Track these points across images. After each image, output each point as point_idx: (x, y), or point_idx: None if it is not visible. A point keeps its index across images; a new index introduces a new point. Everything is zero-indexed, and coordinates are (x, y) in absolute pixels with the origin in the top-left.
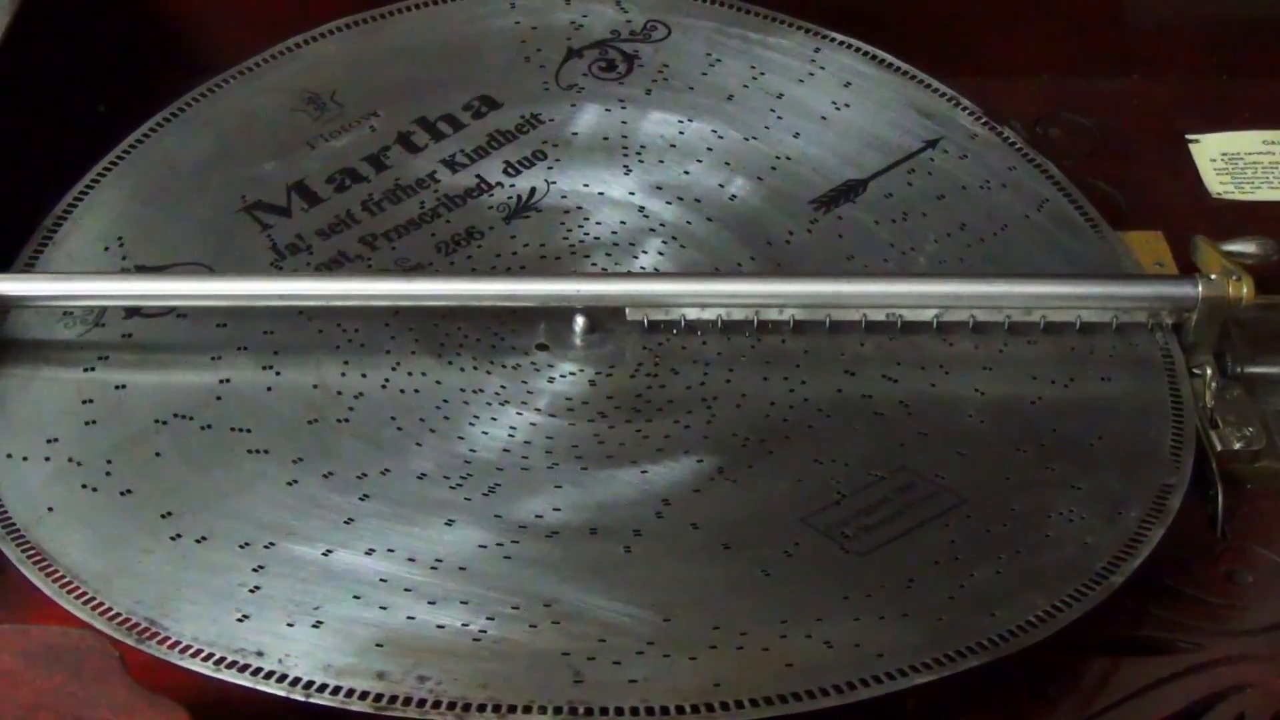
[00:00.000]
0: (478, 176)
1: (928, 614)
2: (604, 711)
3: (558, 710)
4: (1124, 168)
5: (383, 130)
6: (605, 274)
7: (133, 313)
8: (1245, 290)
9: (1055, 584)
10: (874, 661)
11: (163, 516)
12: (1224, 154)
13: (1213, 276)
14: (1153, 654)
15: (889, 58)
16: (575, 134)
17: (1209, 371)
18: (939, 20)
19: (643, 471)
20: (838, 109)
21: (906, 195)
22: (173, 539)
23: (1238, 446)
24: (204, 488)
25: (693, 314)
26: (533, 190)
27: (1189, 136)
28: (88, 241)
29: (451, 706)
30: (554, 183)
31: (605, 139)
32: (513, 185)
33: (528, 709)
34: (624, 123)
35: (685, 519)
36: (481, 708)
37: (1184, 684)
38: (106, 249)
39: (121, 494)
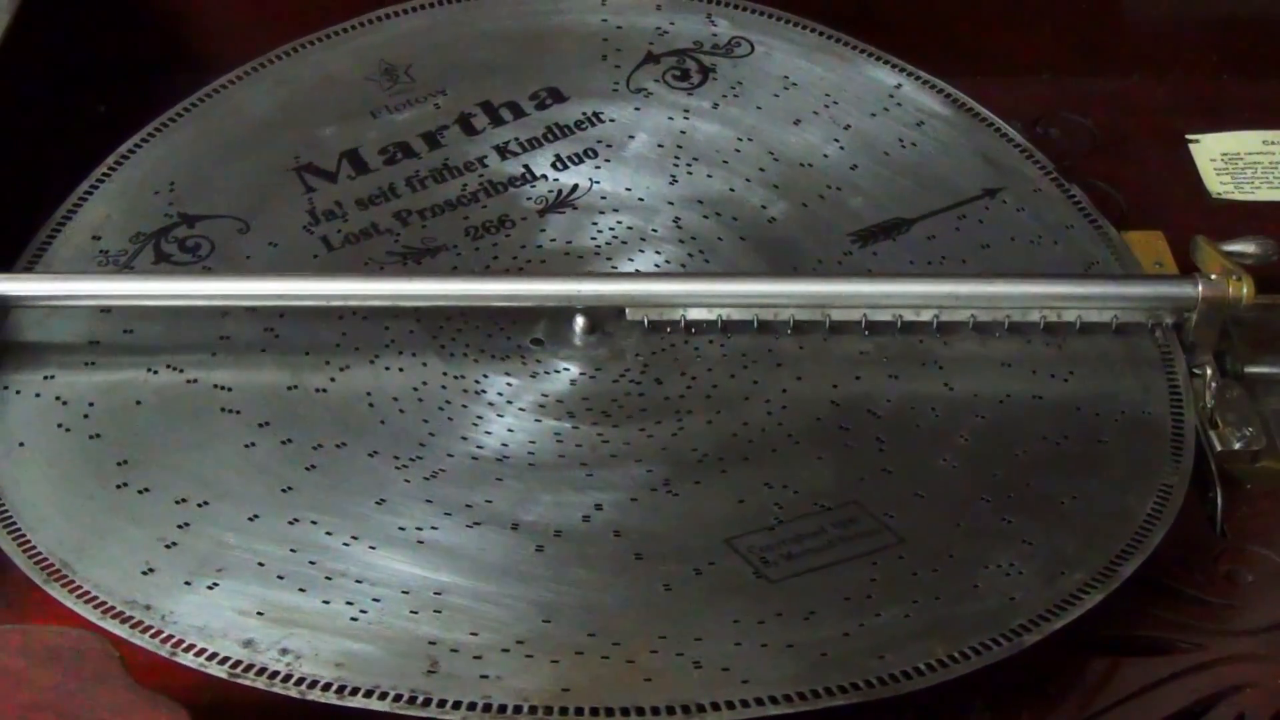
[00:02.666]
0: (525, 166)
1: (813, 648)
2: (441, 704)
3: (397, 698)
4: (1124, 168)
5: (446, 109)
6: (606, 274)
7: (162, 258)
8: (1245, 290)
9: (960, 635)
10: (735, 687)
11: (119, 464)
12: (1224, 154)
13: (1213, 276)
14: (1153, 654)
15: (970, 102)
16: (631, 137)
17: (1209, 371)
18: (939, 20)
19: (588, 475)
20: (903, 147)
21: (951, 240)
22: (118, 487)
23: (1238, 446)
24: (166, 440)
25: (693, 314)
26: (575, 187)
27: (1189, 136)
28: (139, 182)
29: (299, 682)
30: (598, 182)
31: (660, 146)
32: (556, 180)
33: (369, 693)
34: (682, 133)
35: (610, 526)
36: (327, 687)
37: (1184, 684)
38: (156, 193)
39: (90, 437)
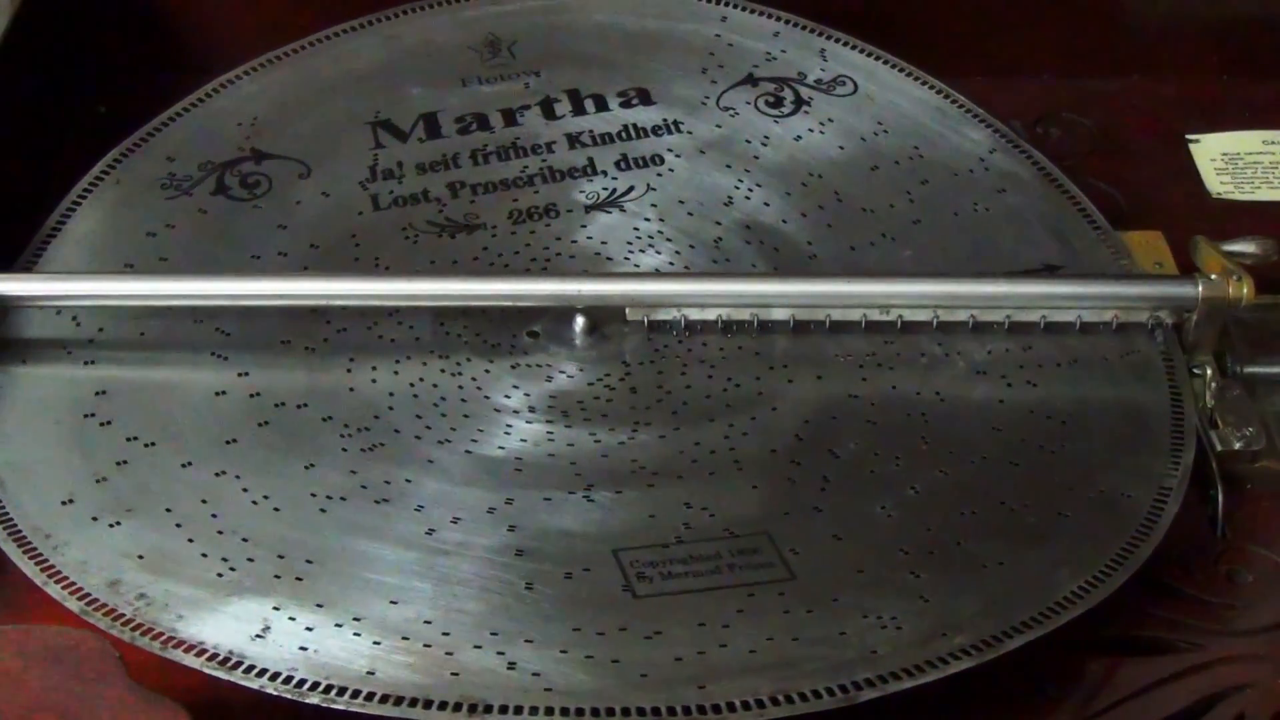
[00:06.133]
0: (589, 159)
1: (637, 667)
2: (249, 670)
3: (212, 656)
4: (1124, 168)
5: (534, 89)
6: (607, 274)
7: (221, 190)
8: (1245, 290)
9: (796, 679)
10: (536, 693)
11: (96, 394)
12: (1224, 154)
13: (1213, 276)
14: (1153, 654)
15: (1063, 179)
16: (702, 152)
17: (1209, 371)
18: (939, 20)
19: (517, 470)
20: (976, 210)
21: None
22: (85, 416)
23: (1238, 446)
24: (149, 378)
25: (693, 315)
26: (630, 189)
27: (1189, 136)
28: (228, 112)
29: (137, 629)
30: (654, 189)
31: (728, 166)
32: (614, 179)
33: (190, 648)
34: (755, 158)
35: (509, 521)
36: (157, 636)
37: (1184, 684)
38: (239, 124)
39: (85, 363)
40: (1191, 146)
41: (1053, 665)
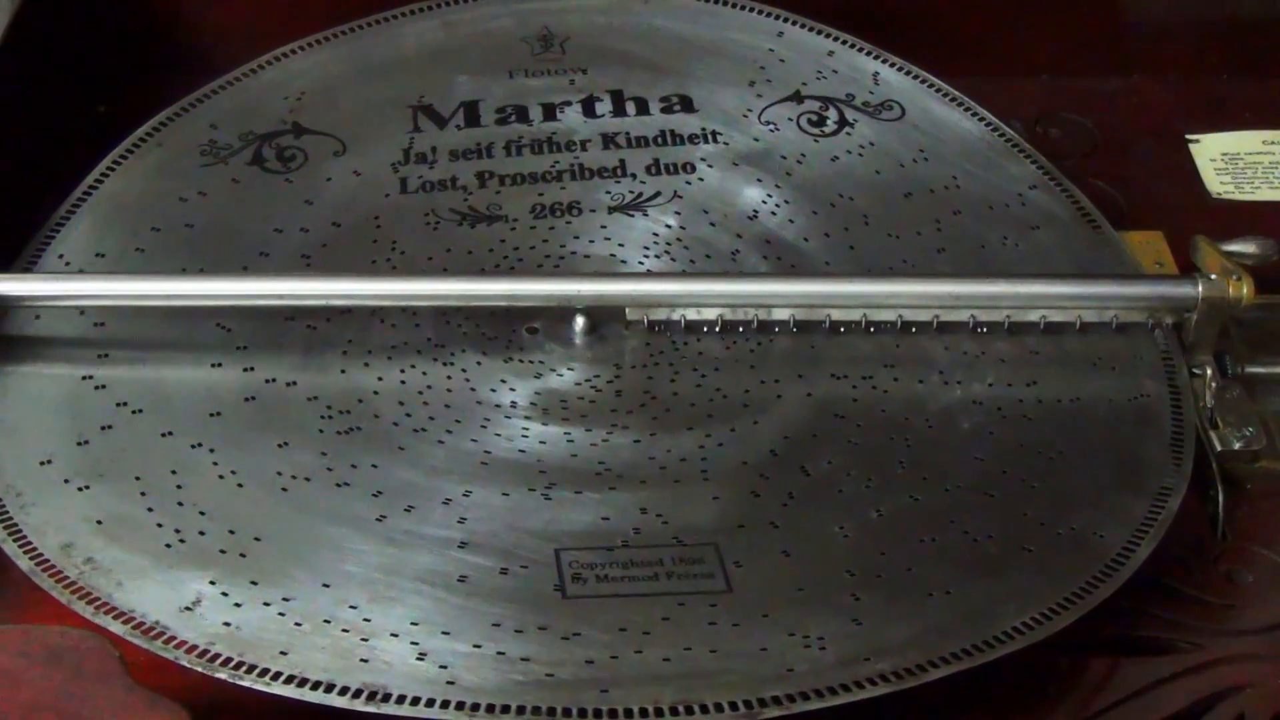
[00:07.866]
0: (621, 161)
1: (545, 667)
2: (159, 635)
3: (138, 625)
4: (1124, 168)
5: (579, 86)
6: (607, 274)
7: (257, 160)
8: (1245, 290)
9: (701, 690)
10: (439, 686)
11: (99, 356)
12: (1224, 154)
13: (1213, 276)
14: (1153, 654)
15: (1103, 222)
16: (736, 164)
17: (1209, 371)
18: (939, 20)
19: (483, 463)
20: (1004, 244)
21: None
22: (83, 378)
23: (1238, 446)
24: (150, 345)
25: (693, 315)
26: (656, 194)
27: (1189, 136)
28: (278, 85)
29: (76, 592)
30: (680, 197)
31: (759, 180)
32: (643, 182)
33: (119, 616)
34: (788, 174)
35: (460, 513)
36: (93, 601)
37: (1184, 684)
38: (285, 98)
39: (95, 325)
40: (1191, 146)
41: (1053, 665)
